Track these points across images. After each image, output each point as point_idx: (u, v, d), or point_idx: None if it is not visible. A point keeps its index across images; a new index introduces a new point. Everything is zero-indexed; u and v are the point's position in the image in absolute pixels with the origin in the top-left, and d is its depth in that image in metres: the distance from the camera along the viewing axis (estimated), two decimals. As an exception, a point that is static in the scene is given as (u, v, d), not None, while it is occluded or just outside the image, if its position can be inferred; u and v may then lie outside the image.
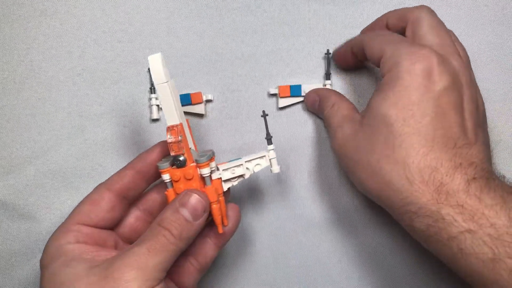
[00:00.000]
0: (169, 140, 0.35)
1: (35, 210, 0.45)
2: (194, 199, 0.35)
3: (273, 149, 0.38)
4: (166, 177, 0.36)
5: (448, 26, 0.45)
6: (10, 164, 0.45)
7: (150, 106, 0.45)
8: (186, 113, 0.45)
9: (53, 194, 0.45)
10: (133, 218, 0.39)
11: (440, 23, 0.38)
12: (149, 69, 0.45)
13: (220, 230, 0.37)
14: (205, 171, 0.36)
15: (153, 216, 0.40)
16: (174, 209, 0.34)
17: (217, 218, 0.37)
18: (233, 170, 0.38)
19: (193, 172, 0.35)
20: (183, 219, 0.34)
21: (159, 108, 0.45)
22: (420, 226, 0.33)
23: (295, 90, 0.44)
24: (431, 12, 0.38)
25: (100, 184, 0.38)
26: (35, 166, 0.45)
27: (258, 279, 0.45)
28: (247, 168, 0.38)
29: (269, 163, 0.38)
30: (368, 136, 0.36)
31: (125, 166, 0.38)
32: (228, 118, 0.45)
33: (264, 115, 0.38)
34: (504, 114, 0.45)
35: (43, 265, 0.34)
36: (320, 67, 0.45)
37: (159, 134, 0.45)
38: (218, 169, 0.37)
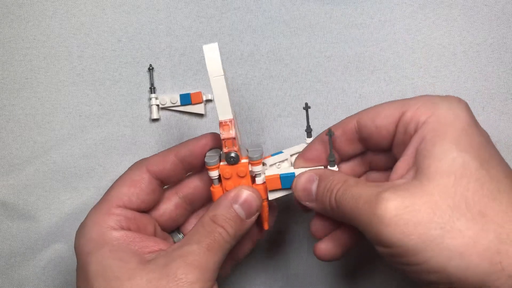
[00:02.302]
0: (223, 136, 0.33)
1: (35, 210, 0.45)
2: (250, 196, 0.33)
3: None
4: (214, 173, 0.34)
5: (448, 26, 0.45)
6: (10, 164, 0.45)
7: (150, 106, 0.45)
8: (186, 113, 0.45)
9: (53, 194, 0.45)
10: (173, 206, 0.37)
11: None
12: (150, 68, 0.45)
13: (266, 227, 0.37)
14: (257, 169, 0.34)
15: (193, 205, 0.38)
16: (228, 205, 0.33)
17: (265, 215, 0.36)
18: (279, 165, 0.36)
19: (245, 169, 0.34)
20: (237, 216, 0.33)
21: (159, 108, 0.45)
22: None
23: (287, 182, 0.35)
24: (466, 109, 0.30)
25: (139, 163, 0.36)
26: (35, 166, 0.45)
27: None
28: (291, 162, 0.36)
29: None
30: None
31: (169, 149, 0.36)
32: (228, 118, 0.45)
33: (306, 108, 0.36)
34: (505, 114, 0.45)
35: (84, 252, 0.32)
36: (320, 66, 0.45)
37: (159, 134, 0.45)
38: (264, 164, 0.36)
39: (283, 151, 0.37)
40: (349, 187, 0.30)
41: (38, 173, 0.45)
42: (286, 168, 0.36)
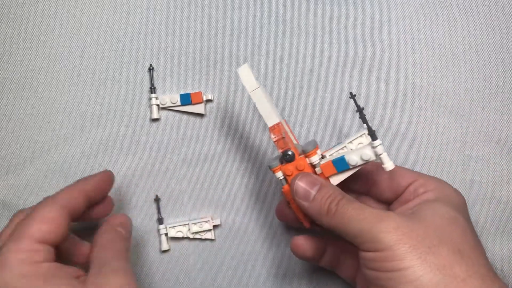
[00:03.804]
0: (274, 139, 0.36)
1: (35, 210, 0.45)
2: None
3: (380, 144, 0.34)
4: (279, 174, 0.37)
5: (448, 26, 0.45)
6: (10, 164, 0.45)
7: (150, 106, 0.45)
8: (186, 113, 0.45)
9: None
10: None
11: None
12: (150, 68, 0.45)
13: (308, 225, 0.38)
14: (314, 159, 0.36)
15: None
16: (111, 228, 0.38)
17: (300, 215, 0.38)
18: (338, 154, 0.37)
19: (303, 162, 0.36)
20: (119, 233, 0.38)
21: (159, 108, 0.45)
22: None
23: (340, 165, 0.36)
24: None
25: (50, 200, 0.35)
26: (35, 166, 0.45)
27: None
28: (351, 149, 0.37)
29: (373, 158, 0.34)
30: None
31: (73, 186, 0.37)
32: (228, 118, 0.45)
33: (355, 100, 0.34)
34: (505, 114, 0.45)
35: (9, 284, 0.31)
36: (320, 66, 0.45)
37: (159, 134, 0.45)
38: (323, 157, 0.37)
39: (342, 142, 0.38)
40: (352, 201, 0.34)
41: (39, 173, 0.45)
42: (338, 151, 0.37)
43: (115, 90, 0.45)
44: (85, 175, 0.45)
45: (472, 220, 0.36)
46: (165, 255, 0.45)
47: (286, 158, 0.36)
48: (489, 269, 0.31)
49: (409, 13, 0.45)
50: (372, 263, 0.32)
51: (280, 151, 0.36)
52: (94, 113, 0.45)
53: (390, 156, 0.34)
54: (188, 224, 0.44)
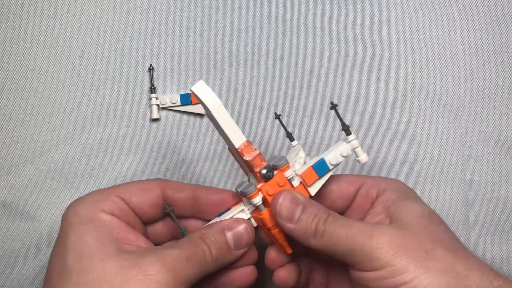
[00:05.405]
0: (248, 158, 0.33)
1: (35, 210, 0.45)
2: (244, 229, 0.33)
3: (355, 139, 0.35)
4: (258, 199, 0.33)
5: (448, 26, 0.45)
6: (10, 164, 0.45)
7: (150, 106, 0.45)
8: (186, 113, 0.45)
9: (53, 194, 0.45)
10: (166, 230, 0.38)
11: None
12: (150, 68, 0.45)
13: (289, 251, 0.35)
14: (289, 173, 0.34)
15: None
16: (220, 230, 0.33)
17: (282, 240, 0.34)
18: (300, 162, 0.36)
19: (283, 177, 0.34)
20: (226, 243, 0.33)
21: (159, 108, 0.45)
22: None
23: (321, 168, 0.35)
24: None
25: (155, 179, 0.36)
26: (35, 166, 0.45)
27: None
28: (330, 163, 0.35)
29: (350, 153, 0.35)
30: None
31: (189, 185, 0.36)
32: (228, 118, 0.45)
33: (334, 107, 0.35)
34: (505, 114, 0.45)
35: (68, 222, 0.32)
36: (320, 66, 0.45)
37: (159, 134, 0.45)
38: (306, 162, 0.36)
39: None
40: (338, 218, 0.32)
41: (39, 173, 0.45)
42: (312, 160, 0.35)
43: (115, 90, 0.45)
44: (85, 175, 0.45)
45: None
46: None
47: (268, 176, 0.33)
48: (478, 259, 0.31)
49: (409, 13, 0.45)
50: (370, 283, 0.30)
51: (258, 170, 0.33)
52: (94, 113, 0.45)
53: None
54: None
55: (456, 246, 0.31)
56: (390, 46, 0.45)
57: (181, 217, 0.37)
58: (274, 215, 0.33)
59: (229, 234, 0.33)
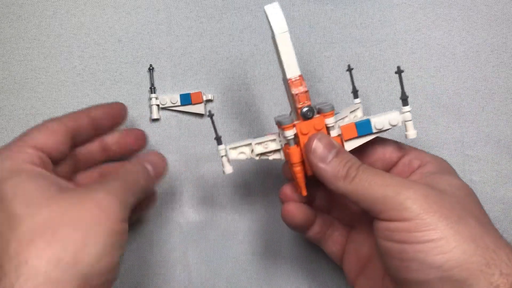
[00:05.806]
0: (296, 92, 0.33)
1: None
2: (158, 158, 0.38)
3: (409, 111, 0.34)
4: (290, 133, 0.33)
5: (448, 26, 0.45)
6: (10, 164, 0.45)
7: (150, 106, 0.45)
8: (186, 113, 0.45)
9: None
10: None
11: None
12: (150, 68, 0.45)
13: (304, 193, 0.35)
14: (330, 121, 0.34)
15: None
16: (140, 162, 0.37)
17: (301, 181, 0.35)
18: (341, 123, 0.35)
19: (322, 122, 0.34)
20: (147, 170, 0.37)
21: (159, 108, 0.45)
22: None
23: (364, 128, 0.35)
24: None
25: (54, 118, 0.36)
26: (35, 166, 0.45)
27: None
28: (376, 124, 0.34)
29: (399, 124, 0.34)
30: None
31: (80, 110, 0.37)
32: (228, 118, 0.45)
33: (399, 71, 0.35)
34: (505, 114, 0.45)
35: None
36: (320, 66, 0.45)
37: (159, 134, 0.45)
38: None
39: (339, 112, 0.36)
40: (372, 168, 0.32)
41: (38, 173, 0.45)
42: (358, 118, 0.35)
43: (115, 90, 0.45)
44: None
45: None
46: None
47: (307, 115, 0.33)
48: (508, 242, 0.30)
49: (409, 13, 0.45)
50: (396, 234, 0.29)
51: (300, 106, 0.33)
52: (94, 113, 0.45)
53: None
54: None
55: (489, 224, 0.31)
56: (390, 46, 0.45)
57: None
58: (307, 152, 0.33)
59: (148, 166, 0.37)
